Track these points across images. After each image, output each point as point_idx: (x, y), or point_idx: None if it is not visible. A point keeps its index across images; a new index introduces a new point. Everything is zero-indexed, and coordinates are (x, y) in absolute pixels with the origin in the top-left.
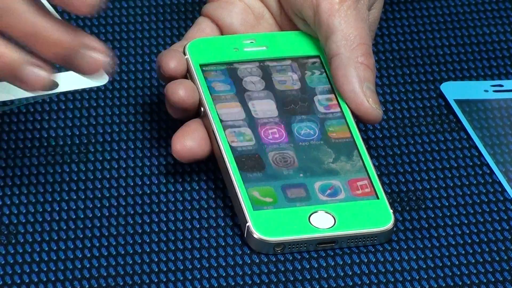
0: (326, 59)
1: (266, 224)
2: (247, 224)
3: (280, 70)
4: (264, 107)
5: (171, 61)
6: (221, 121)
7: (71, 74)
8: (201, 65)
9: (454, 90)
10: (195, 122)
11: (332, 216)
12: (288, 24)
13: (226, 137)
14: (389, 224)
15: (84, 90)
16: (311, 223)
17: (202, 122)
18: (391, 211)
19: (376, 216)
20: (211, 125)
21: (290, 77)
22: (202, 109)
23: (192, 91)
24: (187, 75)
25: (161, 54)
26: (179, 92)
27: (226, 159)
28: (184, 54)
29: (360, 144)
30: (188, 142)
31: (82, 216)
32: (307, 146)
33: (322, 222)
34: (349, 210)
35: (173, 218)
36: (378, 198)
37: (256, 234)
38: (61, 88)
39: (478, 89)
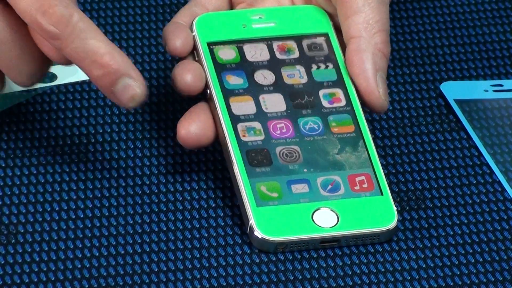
0: (344, 38)
1: (269, 223)
2: (249, 222)
3: (289, 63)
4: (274, 100)
5: (177, 39)
6: (228, 108)
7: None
8: (209, 44)
9: (454, 90)
10: (200, 106)
11: (336, 213)
12: None
13: (232, 128)
14: (392, 223)
15: (84, 82)
16: (314, 222)
17: (208, 106)
18: (395, 208)
19: (379, 214)
20: (217, 111)
21: (298, 71)
22: (208, 91)
23: (200, 78)
24: (194, 52)
25: (167, 28)
26: (187, 78)
27: (231, 149)
28: (191, 30)
29: (367, 138)
30: (193, 128)
31: (82, 216)
32: (312, 141)
33: (325, 221)
34: (352, 207)
35: (172, 218)
36: (382, 194)
37: (259, 233)
38: (60, 80)
39: (478, 89)
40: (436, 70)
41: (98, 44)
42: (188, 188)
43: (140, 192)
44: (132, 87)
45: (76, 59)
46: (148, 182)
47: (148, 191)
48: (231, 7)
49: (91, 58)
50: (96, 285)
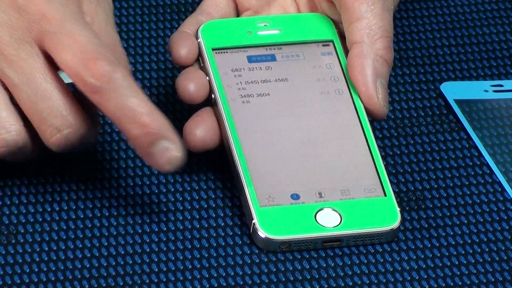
0: (346, 43)
1: (272, 222)
2: (253, 222)
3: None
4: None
5: (182, 48)
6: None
7: None
8: (214, 49)
9: (454, 90)
10: (206, 111)
11: (338, 213)
12: (306, 1)
13: (236, 128)
14: (395, 223)
15: None
16: (317, 221)
17: (213, 110)
18: (398, 209)
19: (382, 214)
20: (221, 116)
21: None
22: (213, 96)
23: (203, 87)
24: (199, 59)
25: (173, 37)
26: (189, 87)
27: (234, 152)
28: (196, 37)
29: (371, 141)
30: (199, 131)
31: (82, 216)
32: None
33: (328, 221)
34: (355, 207)
35: (173, 218)
36: (385, 195)
37: (262, 233)
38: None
39: (478, 89)
40: (436, 70)
41: (139, 103)
42: (188, 189)
43: (140, 192)
44: (170, 150)
45: (114, 116)
46: (148, 182)
47: (148, 191)
48: (237, 15)
49: (131, 116)
50: (96, 285)
